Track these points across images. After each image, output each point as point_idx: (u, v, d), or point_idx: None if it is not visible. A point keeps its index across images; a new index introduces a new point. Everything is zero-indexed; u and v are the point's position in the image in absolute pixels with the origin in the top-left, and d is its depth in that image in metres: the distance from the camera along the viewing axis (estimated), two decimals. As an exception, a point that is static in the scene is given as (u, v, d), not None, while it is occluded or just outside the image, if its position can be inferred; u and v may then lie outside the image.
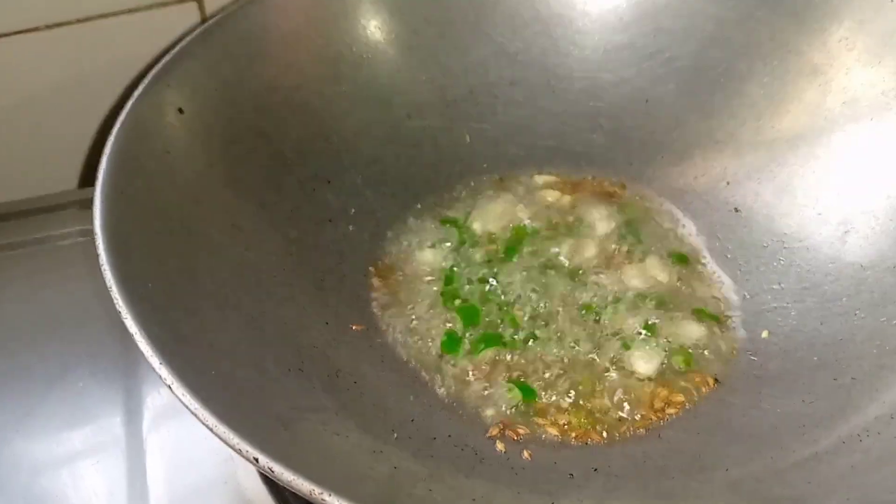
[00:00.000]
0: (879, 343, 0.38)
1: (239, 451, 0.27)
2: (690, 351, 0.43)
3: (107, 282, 0.32)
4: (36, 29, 0.51)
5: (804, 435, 0.35)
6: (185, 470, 0.41)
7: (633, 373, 0.42)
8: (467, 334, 0.43)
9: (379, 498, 0.25)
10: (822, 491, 0.31)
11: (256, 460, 0.26)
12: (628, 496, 0.35)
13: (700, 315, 0.44)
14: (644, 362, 0.42)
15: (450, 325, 0.44)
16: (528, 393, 0.41)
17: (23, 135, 0.54)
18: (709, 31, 0.50)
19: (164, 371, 0.29)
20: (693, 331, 0.43)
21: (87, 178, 0.57)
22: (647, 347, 0.43)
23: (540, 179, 0.52)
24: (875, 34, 0.45)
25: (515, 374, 0.42)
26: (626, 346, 0.43)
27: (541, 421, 0.40)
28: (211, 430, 0.28)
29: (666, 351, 0.42)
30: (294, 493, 0.27)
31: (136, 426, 0.43)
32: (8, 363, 0.45)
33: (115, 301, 0.32)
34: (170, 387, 0.29)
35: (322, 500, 0.25)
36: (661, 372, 0.42)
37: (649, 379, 0.42)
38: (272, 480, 0.40)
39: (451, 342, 0.43)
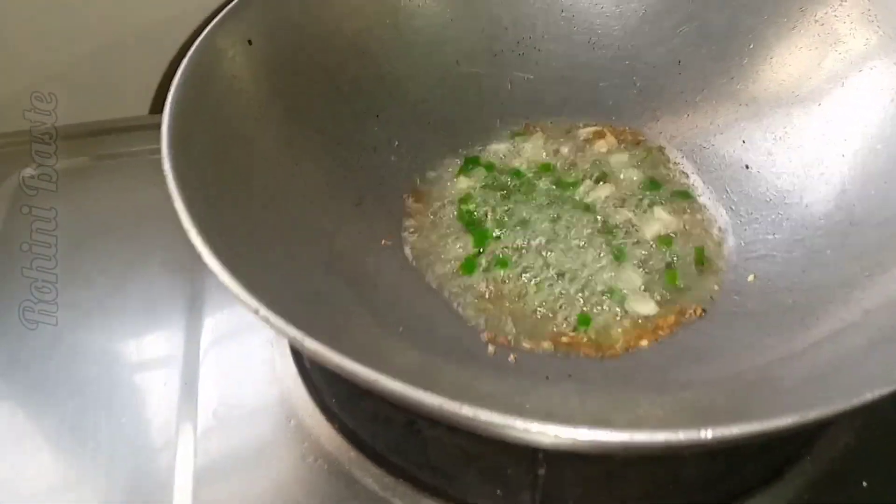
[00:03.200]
0: (848, 289, 0.41)
1: (267, 320, 0.32)
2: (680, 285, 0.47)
3: (164, 170, 0.38)
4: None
5: (756, 361, 0.39)
6: (234, 352, 0.49)
7: (627, 311, 0.46)
8: (482, 258, 0.49)
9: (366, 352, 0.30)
10: (755, 405, 0.36)
11: (264, 317, 0.32)
12: (592, 397, 0.39)
13: (699, 257, 0.48)
14: (642, 304, 0.46)
15: (465, 248, 0.49)
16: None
17: (106, 68, 0.62)
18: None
19: (204, 252, 0.35)
20: (690, 271, 0.48)
21: (157, 106, 0.65)
22: (643, 288, 0.47)
23: (574, 127, 0.57)
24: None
25: (517, 295, 0.47)
26: (622, 290, 0.47)
27: (534, 339, 0.45)
28: (237, 295, 0.33)
29: (659, 289, 0.47)
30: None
31: (198, 303, 0.50)
32: (95, 250, 0.54)
33: (170, 189, 0.37)
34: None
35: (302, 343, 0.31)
36: (657, 308, 0.46)
37: (646, 316, 0.46)
38: (305, 369, 0.47)
39: (469, 265, 0.48)
